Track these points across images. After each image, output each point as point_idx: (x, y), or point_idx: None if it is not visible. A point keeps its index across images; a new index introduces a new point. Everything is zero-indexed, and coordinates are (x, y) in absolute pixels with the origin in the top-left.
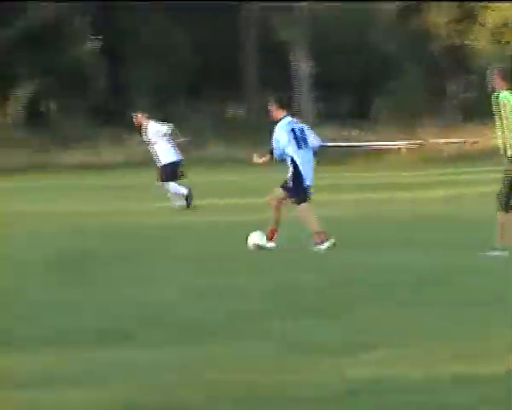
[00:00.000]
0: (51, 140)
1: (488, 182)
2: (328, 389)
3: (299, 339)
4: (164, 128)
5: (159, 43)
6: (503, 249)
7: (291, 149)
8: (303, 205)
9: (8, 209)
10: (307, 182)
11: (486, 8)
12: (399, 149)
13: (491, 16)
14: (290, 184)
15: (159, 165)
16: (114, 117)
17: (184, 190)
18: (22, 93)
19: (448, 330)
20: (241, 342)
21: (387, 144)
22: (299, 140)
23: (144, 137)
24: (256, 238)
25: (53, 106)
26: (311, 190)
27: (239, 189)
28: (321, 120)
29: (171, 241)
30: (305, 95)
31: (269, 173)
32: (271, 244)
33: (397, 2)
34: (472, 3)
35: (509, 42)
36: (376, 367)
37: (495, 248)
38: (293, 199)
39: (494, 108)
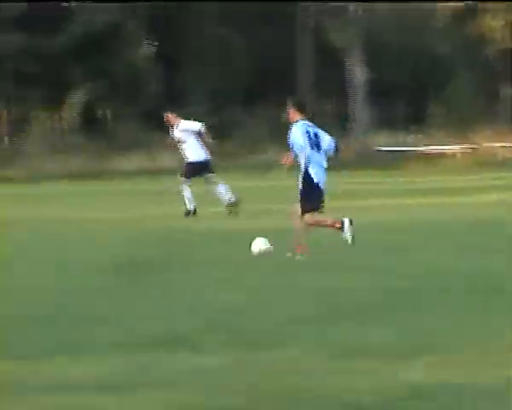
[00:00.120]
0: (106, 146)
1: None
2: (383, 393)
3: (353, 343)
4: (196, 125)
5: (214, 49)
6: None
7: (305, 151)
8: (308, 216)
9: (63, 215)
10: (320, 184)
11: None
12: (454, 153)
13: None
14: (301, 188)
15: (185, 162)
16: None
17: (191, 202)
18: (77, 99)
19: (503, 333)
20: (296, 346)
21: (441, 149)
22: (313, 144)
23: (174, 136)
24: (260, 244)
25: (108, 111)
26: (323, 198)
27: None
28: (375, 124)
29: (226, 246)
30: (359, 100)
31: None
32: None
33: (452, 5)
34: None
35: None
36: (431, 371)
37: None
38: (301, 207)
39: None
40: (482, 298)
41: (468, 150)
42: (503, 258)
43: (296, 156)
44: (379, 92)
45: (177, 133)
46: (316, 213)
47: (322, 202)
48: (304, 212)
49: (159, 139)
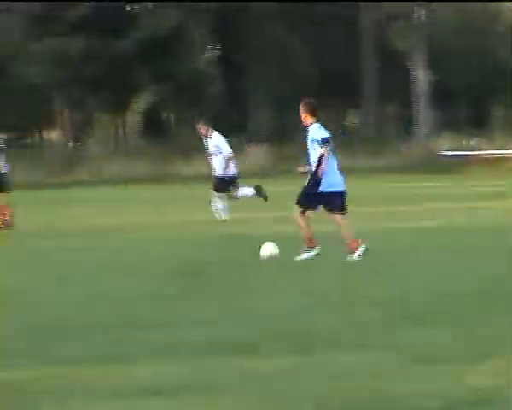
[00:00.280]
0: (170, 150)
1: None
2: (451, 397)
3: (421, 347)
4: (225, 150)
5: (277, 52)
6: None
7: (328, 146)
8: (300, 210)
9: (125, 220)
10: (339, 188)
11: None
12: None
13: None
14: (306, 185)
15: (214, 175)
16: (231, 127)
17: (224, 213)
18: (141, 102)
19: None
20: (364, 351)
21: (505, 152)
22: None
23: (207, 148)
24: (270, 249)
25: (171, 115)
26: (331, 201)
27: (356, 198)
28: (438, 128)
29: (286, 250)
30: (422, 103)
31: (386, 183)
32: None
33: None
34: None
35: None
36: (499, 376)
37: None
38: (298, 199)
39: None
40: None
41: None
42: None
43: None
44: (442, 95)
45: (209, 144)
46: (307, 213)
47: (337, 205)
48: (298, 204)
49: None
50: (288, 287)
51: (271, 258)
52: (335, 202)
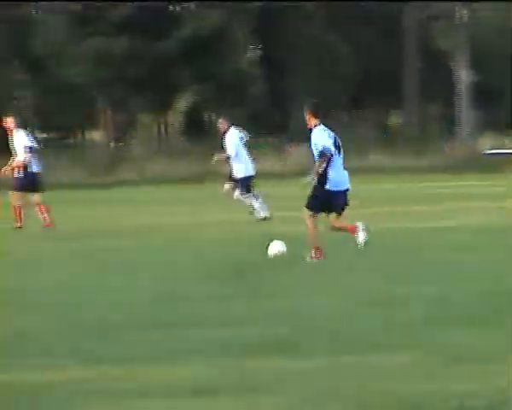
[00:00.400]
0: (212, 149)
1: None
2: (492, 397)
3: (462, 347)
4: (229, 148)
5: (318, 54)
6: None
7: (329, 153)
8: (311, 213)
9: (167, 219)
10: (334, 189)
11: None
12: None
13: None
14: (313, 188)
15: (234, 176)
16: (273, 127)
17: (264, 210)
18: (183, 102)
19: None
20: (405, 350)
21: None
22: (336, 147)
23: (224, 146)
24: (277, 247)
25: (213, 115)
26: (340, 201)
27: (399, 197)
28: (481, 127)
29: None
30: (464, 103)
31: (429, 183)
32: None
33: None
34: None
35: None
36: None
37: None
38: (307, 202)
39: None
40: None
41: None
42: None
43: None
44: (484, 95)
45: (226, 142)
46: (317, 216)
47: (338, 205)
48: (308, 208)
49: (264, 143)
50: (328, 286)
51: (279, 256)
52: (340, 201)
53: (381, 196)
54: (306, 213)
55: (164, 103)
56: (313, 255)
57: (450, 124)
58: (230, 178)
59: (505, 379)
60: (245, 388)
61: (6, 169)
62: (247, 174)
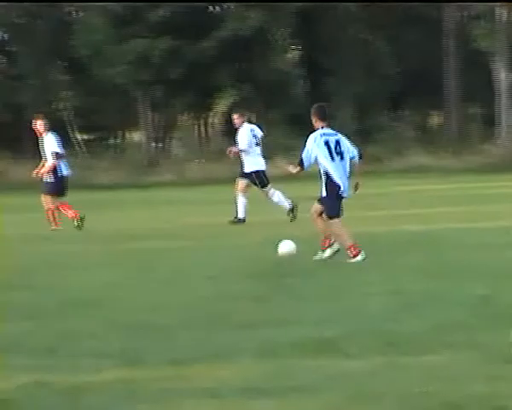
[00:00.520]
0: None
1: None
2: None
3: (503, 349)
4: (241, 142)
5: (359, 55)
6: None
7: (325, 161)
8: (336, 220)
9: (207, 220)
10: (344, 194)
11: None
12: None
13: None
14: (324, 195)
15: (247, 171)
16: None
17: (287, 201)
18: (223, 104)
19: None
20: (446, 351)
21: None
22: (333, 153)
23: (236, 141)
24: (287, 247)
25: (253, 116)
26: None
27: (439, 197)
28: None
29: (373, 248)
30: (504, 104)
31: (471, 183)
32: (327, 253)
33: None
34: None
35: None
36: None
37: None
38: (327, 213)
39: None
40: None
41: None
42: None
43: (309, 166)
44: None
45: (238, 137)
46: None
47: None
48: (329, 217)
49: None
50: (375, 287)
51: (289, 255)
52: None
53: (428, 195)
54: (332, 223)
55: (204, 104)
56: (353, 253)
57: (489, 124)
58: (243, 174)
59: None
60: (292, 388)
61: (37, 171)
62: (258, 168)
